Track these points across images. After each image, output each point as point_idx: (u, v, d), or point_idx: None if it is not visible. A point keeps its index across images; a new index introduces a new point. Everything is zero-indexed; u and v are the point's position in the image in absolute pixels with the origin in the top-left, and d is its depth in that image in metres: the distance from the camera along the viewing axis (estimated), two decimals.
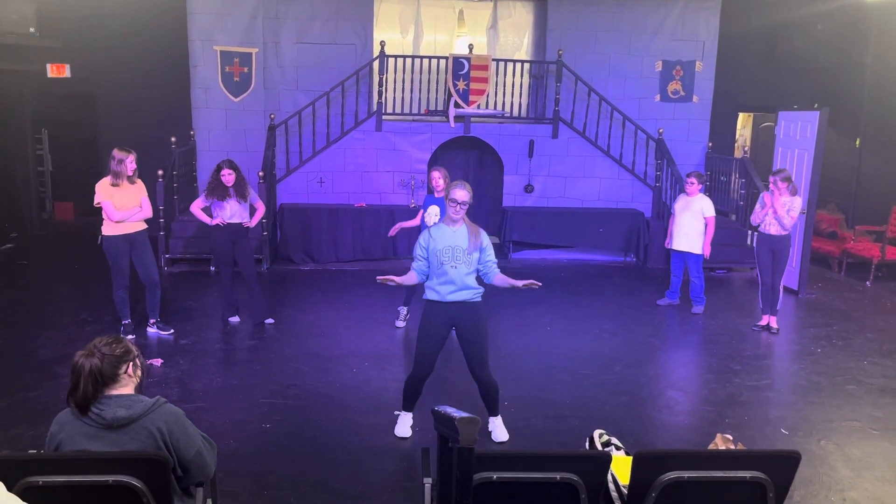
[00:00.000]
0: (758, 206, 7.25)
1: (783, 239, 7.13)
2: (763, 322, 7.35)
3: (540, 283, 4.61)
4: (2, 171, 10.79)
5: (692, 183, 7.71)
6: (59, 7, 10.53)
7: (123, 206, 6.24)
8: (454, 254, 4.52)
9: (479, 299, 4.66)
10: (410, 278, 4.69)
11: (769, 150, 10.31)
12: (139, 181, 6.39)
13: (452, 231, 4.57)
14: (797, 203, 7.11)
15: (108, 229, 6.30)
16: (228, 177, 6.73)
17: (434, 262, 4.57)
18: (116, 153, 6.22)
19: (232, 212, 6.80)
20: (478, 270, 4.64)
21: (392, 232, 7.35)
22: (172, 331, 6.73)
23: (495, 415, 4.85)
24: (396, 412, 4.98)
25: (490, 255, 4.65)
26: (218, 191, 6.74)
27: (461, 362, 6.06)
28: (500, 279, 4.68)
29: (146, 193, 6.44)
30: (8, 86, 10.94)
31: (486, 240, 4.64)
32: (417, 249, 4.64)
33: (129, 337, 6.33)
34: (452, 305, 4.59)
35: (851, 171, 11.28)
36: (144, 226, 6.47)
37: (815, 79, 12.10)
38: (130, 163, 6.22)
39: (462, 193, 4.53)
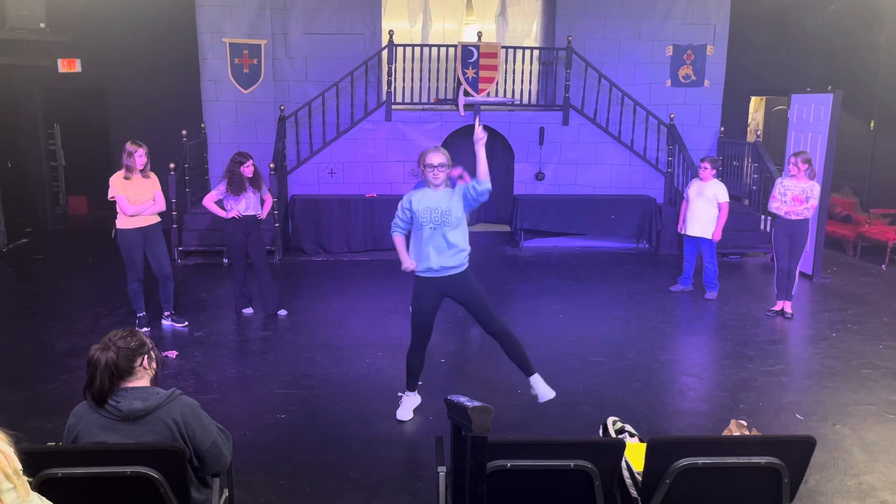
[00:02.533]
0: (776, 192, 7.17)
1: (801, 223, 7.07)
2: (777, 307, 7.31)
3: (483, 130, 4.53)
4: (15, 167, 10.88)
5: (706, 168, 7.66)
6: (69, 2, 10.56)
7: (137, 199, 6.27)
8: (432, 215, 4.53)
9: (466, 267, 4.67)
10: (400, 242, 4.75)
11: (782, 134, 10.22)
12: (153, 175, 6.42)
13: (434, 193, 4.58)
14: (816, 189, 7.05)
15: (121, 223, 6.35)
16: (249, 168, 6.80)
17: (416, 224, 4.60)
18: (127, 146, 6.27)
19: (247, 204, 6.85)
20: (474, 200, 4.48)
21: None
22: (187, 323, 6.78)
23: (531, 373, 4.78)
24: (400, 394, 5.02)
25: (467, 187, 4.50)
26: (237, 185, 6.77)
27: (474, 351, 6.08)
28: (482, 172, 4.46)
29: (160, 187, 6.47)
30: (19, 81, 11.00)
31: (459, 189, 4.56)
32: (400, 212, 4.68)
33: (144, 330, 6.38)
34: (440, 281, 4.62)
35: (865, 154, 11.17)
36: (158, 219, 6.50)
37: (827, 61, 11.97)
38: (140, 156, 6.24)
39: (437, 156, 4.52)
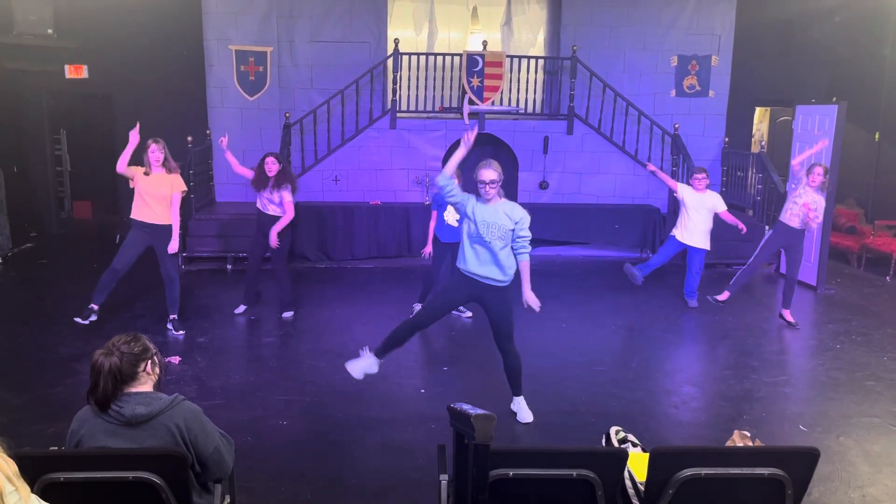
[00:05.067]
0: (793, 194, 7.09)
1: (800, 234, 7.07)
2: (721, 298, 7.37)
3: (539, 308, 4.83)
4: (21, 171, 10.92)
5: (703, 178, 7.64)
6: (77, 8, 10.63)
7: (146, 191, 6.31)
8: (489, 229, 4.62)
9: (508, 283, 4.77)
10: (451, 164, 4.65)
11: (786, 144, 10.22)
12: (176, 176, 6.40)
13: (489, 208, 4.66)
14: (823, 203, 7.04)
15: (133, 213, 6.44)
16: (272, 166, 6.87)
17: (472, 230, 4.66)
18: (147, 142, 6.36)
19: (261, 203, 6.97)
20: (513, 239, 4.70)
21: (427, 251, 7.24)
22: (183, 332, 6.75)
23: (518, 395, 5.01)
24: (361, 351, 5.05)
25: (523, 231, 4.70)
26: (257, 180, 6.91)
27: (478, 356, 6.07)
28: (523, 266, 4.76)
29: (181, 189, 6.43)
30: (27, 86, 11.06)
31: (519, 213, 4.68)
32: (464, 197, 4.68)
33: (86, 322, 6.47)
34: (482, 285, 4.74)
35: (870, 165, 11.16)
36: (168, 221, 6.45)
37: (832, 71, 11.98)
38: (152, 151, 6.30)
39: (488, 172, 4.62)
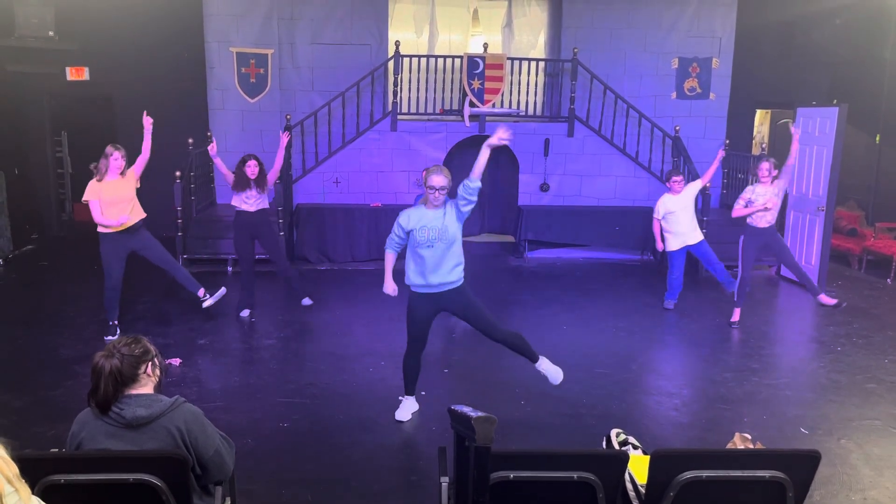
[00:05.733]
0: (745, 197, 7.08)
1: (770, 229, 7.12)
2: (735, 318, 7.30)
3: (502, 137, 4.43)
4: (22, 174, 10.93)
5: (681, 180, 7.66)
6: (78, 11, 10.63)
7: (113, 198, 6.21)
8: (429, 234, 4.62)
9: (461, 282, 4.76)
10: (390, 261, 4.91)
11: (787, 147, 10.20)
12: (128, 173, 6.35)
13: (430, 212, 4.66)
14: (783, 183, 7.15)
15: (101, 228, 6.29)
16: (253, 169, 6.96)
17: (412, 242, 4.69)
18: (107, 149, 6.26)
19: (249, 199, 7.02)
20: (466, 202, 4.54)
21: None
22: (224, 290, 6.92)
23: (536, 360, 4.99)
24: (400, 397, 5.14)
25: (462, 196, 4.53)
26: (238, 180, 7.00)
27: (478, 358, 6.07)
28: (477, 170, 4.48)
29: (137, 175, 6.39)
30: (28, 88, 11.07)
31: (450, 203, 4.63)
32: (396, 229, 4.77)
33: (109, 338, 6.34)
34: (436, 296, 4.73)
35: (871, 168, 11.16)
36: (141, 216, 6.43)
37: (833, 74, 11.98)
38: (115, 159, 6.19)
39: (439, 179, 4.58)
